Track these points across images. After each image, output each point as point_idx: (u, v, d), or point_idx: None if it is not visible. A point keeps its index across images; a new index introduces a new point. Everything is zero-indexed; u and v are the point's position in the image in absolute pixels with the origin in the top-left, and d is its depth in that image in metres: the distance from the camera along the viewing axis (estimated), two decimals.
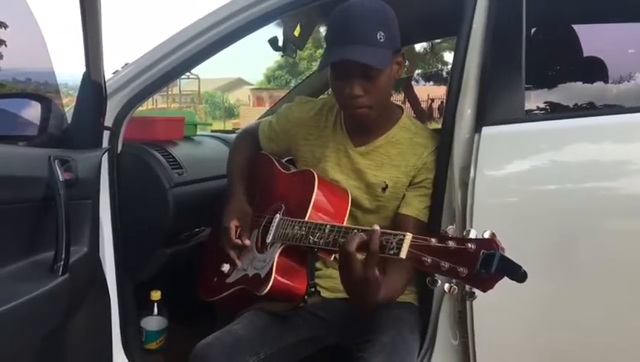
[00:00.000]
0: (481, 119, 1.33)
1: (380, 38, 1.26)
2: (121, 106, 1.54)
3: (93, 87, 1.37)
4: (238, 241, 1.44)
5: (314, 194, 1.34)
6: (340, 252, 1.13)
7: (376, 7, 1.30)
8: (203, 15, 1.54)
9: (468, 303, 1.32)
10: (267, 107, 4.45)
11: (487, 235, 0.96)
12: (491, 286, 0.95)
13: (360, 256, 1.09)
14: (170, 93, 20.37)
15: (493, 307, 1.31)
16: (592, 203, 1.31)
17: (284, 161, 1.64)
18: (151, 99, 1.81)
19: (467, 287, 0.97)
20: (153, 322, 1.81)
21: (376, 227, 1.10)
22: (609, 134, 1.35)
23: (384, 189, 1.39)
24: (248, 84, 31.05)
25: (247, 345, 1.30)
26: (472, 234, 0.97)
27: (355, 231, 1.15)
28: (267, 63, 28.09)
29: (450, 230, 1.01)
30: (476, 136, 1.32)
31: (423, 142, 1.41)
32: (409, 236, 1.04)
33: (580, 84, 1.57)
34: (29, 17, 1.42)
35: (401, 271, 1.32)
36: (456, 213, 1.34)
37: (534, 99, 1.43)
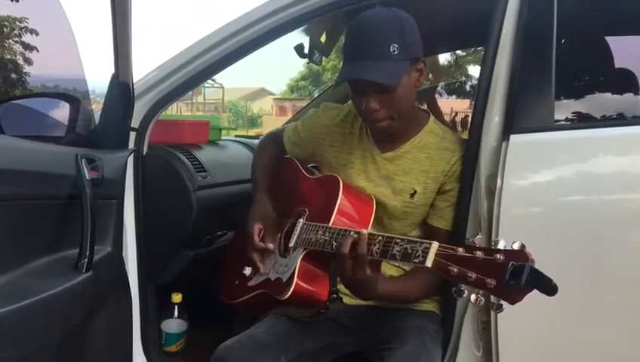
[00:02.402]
0: (510, 127, 1.31)
1: (394, 51, 1.24)
2: (147, 108, 1.56)
3: (121, 88, 1.38)
4: (261, 244, 1.44)
5: (338, 199, 1.33)
6: (336, 254, 1.18)
7: (390, 17, 1.27)
8: (230, 20, 1.55)
9: (492, 314, 1.30)
10: (290, 117, 4.47)
11: (516, 246, 0.94)
12: (520, 299, 0.93)
13: (347, 258, 1.15)
14: (194, 101, 20.60)
15: (518, 319, 1.29)
16: (621, 214, 1.29)
17: (309, 166, 1.64)
18: (175, 106, 1.83)
19: (494, 299, 0.96)
20: (173, 325, 1.82)
21: (364, 232, 1.15)
22: (638, 145, 1.32)
23: (412, 195, 1.38)
24: (271, 93, 31.25)
25: (268, 350, 1.29)
26: (501, 245, 0.95)
27: (379, 237, 1.14)
28: (290, 74, 28.31)
29: (478, 240, 0.99)
30: (504, 144, 1.30)
31: (450, 146, 1.40)
32: (435, 244, 1.03)
33: (609, 95, 1.54)
34: (64, 24, 1.45)
35: (420, 276, 1.32)
36: (482, 222, 1.31)
37: (564, 109, 1.41)
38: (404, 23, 1.27)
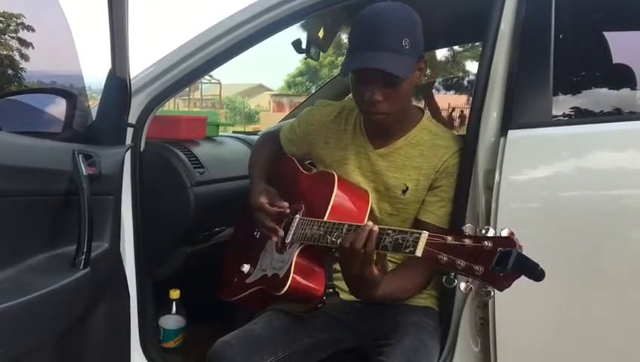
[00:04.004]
0: (508, 122, 1.31)
1: (406, 45, 1.24)
2: (145, 104, 1.55)
3: (118, 84, 1.38)
4: (275, 208, 1.41)
5: (333, 194, 1.34)
6: (339, 248, 1.17)
7: (403, 12, 1.28)
8: (227, 15, 1.55)
9: (490, 310, 1.30)
10: (287, 113, 4.47)
11: (504, 233, 0.95)
12: (508, 285, 0.94)
13: (358, 254, 1.12)
14: (191, 97, 20.56)
15: (516, 314, 1.29)
16: (619, 209, 1.29)
17: (306, 163, 1.64)
18: (172, 102, 1.83)
19: (484, 286, 0.96)
20: (171, 321, 1.82)
21: (370, 223, 1.13)
22: (636, 141, 1.32)
23: (404, 191, 1.38)
24: (269, 89, 31.21)
25: (265, 345, 1.29)
26: (490, 233, 0.96)
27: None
28: (288, 70, 28.24)
29: (468, 228, 1.00)
30: (502, 140, 1.30)
31: (444, 143, 1.40)
32: (425, 234, 1.04)
33: (607, 90, 1.54)
34: (61, 20, 1.44)
35: (414, 271, 1.33)
36: (480, 217, 1.32)
37: (562, 104, 1.41)
38: (415, 20, 1.29)
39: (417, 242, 1.03)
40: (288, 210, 1.41)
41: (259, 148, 1.70)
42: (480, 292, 0.97)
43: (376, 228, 1.12)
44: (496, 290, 0.95)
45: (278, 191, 1.52)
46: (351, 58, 1.30)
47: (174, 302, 1.82)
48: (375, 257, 1.15)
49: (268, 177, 1.59)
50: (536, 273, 0.90)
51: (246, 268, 1.50)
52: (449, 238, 0.99)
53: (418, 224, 1.39)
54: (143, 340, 1.59)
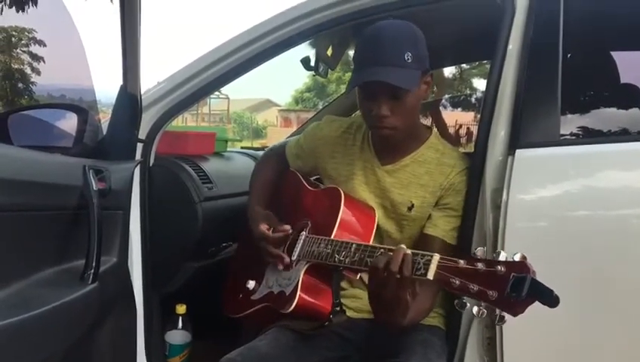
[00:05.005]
0: (515, 141, 1.31)
1: (408, 59, 1.26)
2: (155, 120, 1.57)
3: (129, 99, 1.40)
4: (278, 234, 1.42)
5: (340, 211, 1.34)
6: (372, 271, 1.12)
7: (405, 28, 1.30)
8: (237, 33, 1.57)
9: (497, 330, 1.30)
10: (294, 128, 4.49)
11: (517, 258, 0.94)
12: (522, 311, 0.93)
13: (391, 277, 1.08)
14: (199, 112, 20.68)
15: (523, 334, 1.28)
16: (627, 229, 1.28)
17: (312, 179, 1.64)
18: (181, 117, 1.83)
19: (497, 311, 0.95)
20: (177, 336, 1.81)
21: (403, 246, 1.09)
22: None
23: (410, 209, 1.38)
24: (276, 105, 31.39)
25: None
26: (502, 257, 0.96)
27: (382, 250, 1.14)
28: (296, 85, 28.43)
29: (480, 251, 0.99)
30: (510, 158, 1.30)
31: (450, 162, 1.40)
32: (437, 257, 1.03)
33: (615, 110, 1.54)
34: (73, 34, 1.47)
35: (427, 293, 1.30)
36: (487, 235, 1.31)
37: (570, 124, 1.41)
38: (417, 35, 1.31)
39: (429, 265, 1.02)
40: (291, 231, 1.41)
41: (261, 166, 1.70)
42: (492, 317, 0.96)
43: (409, 251, 1.08)
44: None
45: (282, 208, 1.52)
46: (356, 75, 1.32)
47: (181, 317, 1.82)
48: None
49: (269, 197, 1.60)
50: (550, 299, 0.89)
51: (251, 284, 1.50)
52: (461, 262, 0.98)
53: (424, 238, 1.38)
54: (149, 355, 1.59)
